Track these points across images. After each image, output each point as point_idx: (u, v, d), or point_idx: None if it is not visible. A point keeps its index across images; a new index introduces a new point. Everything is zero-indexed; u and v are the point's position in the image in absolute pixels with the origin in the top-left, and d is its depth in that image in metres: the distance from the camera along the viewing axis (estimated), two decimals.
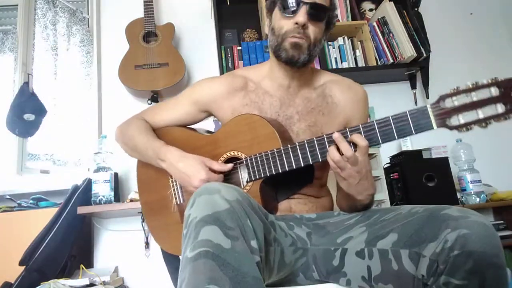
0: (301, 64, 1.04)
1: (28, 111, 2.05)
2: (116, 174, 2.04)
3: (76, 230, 1.89)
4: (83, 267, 1.81)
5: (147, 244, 2.11)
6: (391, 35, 2.37)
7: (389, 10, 2.38)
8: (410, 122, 0.81)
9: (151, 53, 2.26)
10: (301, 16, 1.00)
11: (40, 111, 2.10)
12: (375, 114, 2.39)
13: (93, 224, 2.15)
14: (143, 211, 1.24)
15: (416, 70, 2.44)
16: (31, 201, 1.97)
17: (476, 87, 0.75)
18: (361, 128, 0.86)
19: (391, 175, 2.11)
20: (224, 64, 2.30)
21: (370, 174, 0.90)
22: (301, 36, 1.01)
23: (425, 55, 2.31)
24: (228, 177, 1.08)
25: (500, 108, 0.73)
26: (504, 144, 2.49)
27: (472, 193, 2.09)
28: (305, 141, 0.93)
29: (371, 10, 2.58)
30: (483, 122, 0.75)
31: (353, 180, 0.88)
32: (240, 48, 2.34)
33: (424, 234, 0.75)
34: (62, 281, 1.64)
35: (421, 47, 2.31)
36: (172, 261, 1.28)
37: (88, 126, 2.30)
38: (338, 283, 0.89)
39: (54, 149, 2.15)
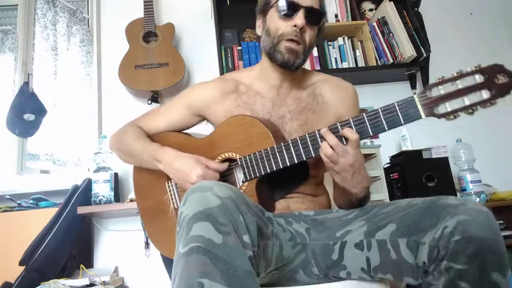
0: (295, 68, 1.07)
1: (28, 111, 2.05)
2: (116, 174, 2.04)
3: (76, 230, 1.89)
4: (83, 267, 1.81)
5: (147, 244, 2.11)
6: (391, 35, 2.37)
7: (389, 10, 2.38)
8: (399, 113, 0.83)
9: (151, 53, 2.26)
10: (300, 18, 1.02)
11: (40, 111, 2.10)
12: None
13: (93, 224, 2.15)
14: (141, 215, 1.25)
15: (416, 70, 2.44)
16: (31, 201, 1.97)
17: (461, 75, 0.77)
18: (351, 122, 0.88)
19: (391, 175, 2.11)
20: (224, 64, 2.30)
21: (363, 167, 0.92)
22: (298, 40, 1.04)
23: (425, 55, 2.31)
24: (224, 178, 1.09)
25: (485, 94, 0.75)
26: (504, 144, 2.49)
27: (472, 193, 2.09)
28: (298, 138, 0.95)
29: (371, 10, 2.58)
30: (469, 109, 0.77)
31: (346, 174, 0.90)
32: (240, 48, 2.34)
33: (423, 223, 0.76)
34: (62, 281, 1.64)
35: (421, 47, 2.31)
36: (171, 264, 1.28)
37: (88, 126, 2.31)
38: (339, 276, 0.90)
39: (54, 149, 2.15)
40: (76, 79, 2.34)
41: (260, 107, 1.12)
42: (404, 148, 2.24)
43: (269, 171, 0.99)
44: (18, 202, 1.96)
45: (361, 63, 2.37)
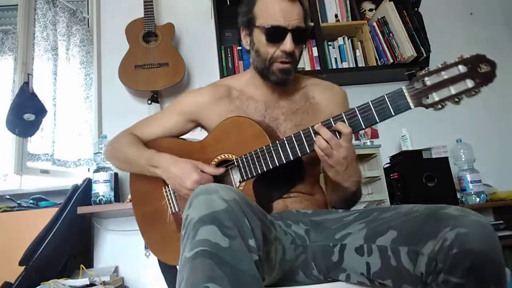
0: (289, 82, 1.11)
1: (28, 111, 2.05)
2: (116, 174, 2.04)
3: (76, 230, 1.90)
4: (83, 267, 1.81)
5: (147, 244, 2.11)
6: (391, 35, 2.37)
7: (389, 10, 2.38)
8: (389, 105, 0.87)
9: (151, 53, 2.26)
10: (289, 44, 1.04)
11: (40, 111, 2.10)
12: None
13: (93, 224, 2.15)
14: (139, 225, 1.23)
15: (416, 70, 2.43)
16: (31, 201, 1.97)
17: (446, 67, 0.82)
18: (344, 116, 0.91)
19: (391, 175, 2.11)
20: (224, 64, 2.30)
21: (355, 161, 0.95)
22: (289, 61, 1.06)
23: (425, 55, 2.31)
24: (220, 180, 1.08)
25: (469, 83, 0.79)
26: (504, 144, 2.49)
27: (472, 193, 2.09)
28: (292, 135, 0.97)
29: (371, 10, 2.58)
30: (456, 97, 0.80)
31: (340, 167, 0.92)
32: (240, 48, 2.34)
33: (423, 232, 0.75)
34: (62, 281, 1.64)
35: (421, 47, 2.31)
36: (168, 271, 1.28)
37: (88, 126, 2.31)
38: (338, 279, 0.90)
39: (54, 149, 2.15)
40: (76, 79, 2.34)
41: (253, 110, 1.14)
42: (404, 148, 2.24)
43: (265, 170, 0.99)
44: (18, 202, 1.96)
45: (361, 63, 2.37)
